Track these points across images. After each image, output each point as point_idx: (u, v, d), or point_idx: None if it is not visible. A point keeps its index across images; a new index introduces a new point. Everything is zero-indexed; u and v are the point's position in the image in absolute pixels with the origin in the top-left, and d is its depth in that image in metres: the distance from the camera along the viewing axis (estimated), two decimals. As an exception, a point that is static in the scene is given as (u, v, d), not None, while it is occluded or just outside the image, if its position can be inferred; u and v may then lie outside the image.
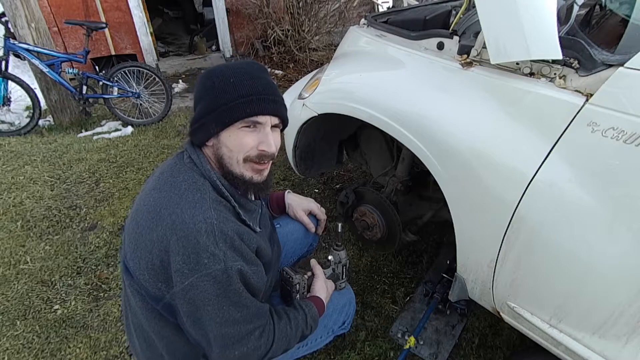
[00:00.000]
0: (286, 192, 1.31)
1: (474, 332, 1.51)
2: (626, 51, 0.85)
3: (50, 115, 3.35)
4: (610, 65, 0.83)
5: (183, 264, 0.74)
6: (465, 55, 1.10)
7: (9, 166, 2.70)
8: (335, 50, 1.80)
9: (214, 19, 5.00)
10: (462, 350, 1.45)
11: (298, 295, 1.04)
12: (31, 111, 3.14)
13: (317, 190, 2.41)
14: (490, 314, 1.15)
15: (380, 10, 4.99)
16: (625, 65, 0.78)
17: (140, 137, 3.14)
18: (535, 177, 0.88)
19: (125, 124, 3.30)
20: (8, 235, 2.04)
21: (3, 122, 3.24)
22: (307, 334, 0.96)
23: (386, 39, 1.40)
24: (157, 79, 3.23)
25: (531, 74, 0.95)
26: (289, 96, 1.73)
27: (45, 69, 2.95)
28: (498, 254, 0.99)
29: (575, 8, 1.11)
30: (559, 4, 1.03)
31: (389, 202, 1.54)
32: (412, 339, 1.40)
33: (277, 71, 4.51)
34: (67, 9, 4.08)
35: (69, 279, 1.77)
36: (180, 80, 4.37)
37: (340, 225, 1.17)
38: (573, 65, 0.90)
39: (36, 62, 2.93)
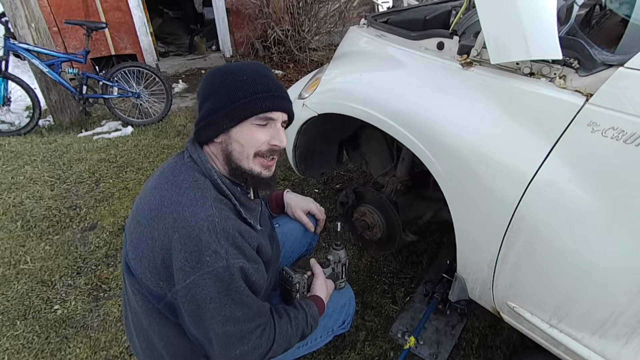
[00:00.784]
0: (285, 191, 1.31)
1: (474, 332, 1.51)
2: (626, 51, 0.84)
3: (50, 115, 3.35)
4: (610, 65, 0.83)
5: (185, 262, 0.74)
6: (465, 55, 1.10)
7: (9, 166, 2.70)
8: (335, 50, 1.80)
9: (214, 19, 5.00)
10: (462, 350, 1.45)
11: (298, 295, 1.04)
12: (31, 111, 3.14)
13: (317, 190, 2.41)
14: (490, 314, 1.15)
15: (380, 10, 4.99)
16: (625, 65, 0.78)
17: (140, 137, 3.14)
18: (535, 177, 0.88)
19: (125, 124, 3.30)
20: (8, 235, 2.04)
21: (3, 122, 3.24)
22: (307, 333, 0.96)
23: (386, 39, 1.40)
24: (157, 79, 3.23)
25: (531, 74, 0.95)
26: (289, 96, 1.73)
27: (45, 69, 2.95)
28: (498, 254, 0.99)
29: (575, 8, 1.10)
30: (559, 4, 1.03)
31: (389, 202, 1.54)
32: (412, 339, 1.39)
33: (277, 71, 4.51)
34: (67, 9, 4.08)
35: (69, 279, 1.78)
36: (180, 80, 4.37)
37: (339, 224, 1.17)
38: (573, 65, 0.89)
39: (36, 62, 2.93)
